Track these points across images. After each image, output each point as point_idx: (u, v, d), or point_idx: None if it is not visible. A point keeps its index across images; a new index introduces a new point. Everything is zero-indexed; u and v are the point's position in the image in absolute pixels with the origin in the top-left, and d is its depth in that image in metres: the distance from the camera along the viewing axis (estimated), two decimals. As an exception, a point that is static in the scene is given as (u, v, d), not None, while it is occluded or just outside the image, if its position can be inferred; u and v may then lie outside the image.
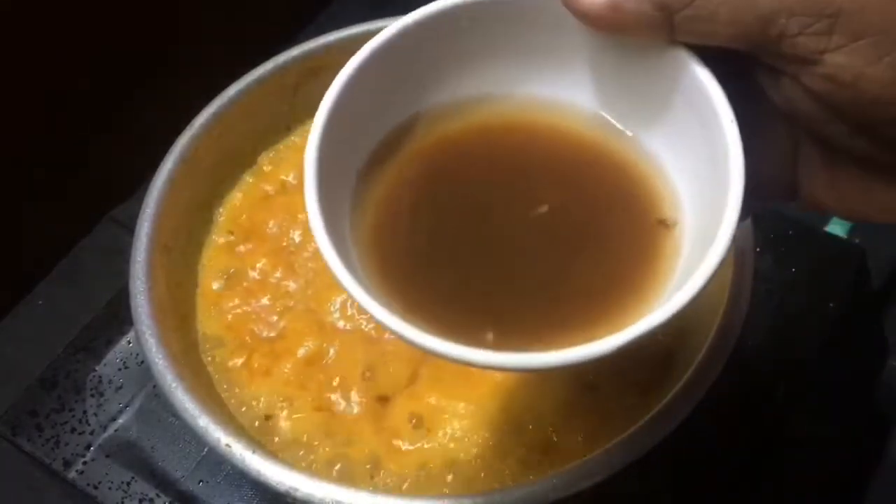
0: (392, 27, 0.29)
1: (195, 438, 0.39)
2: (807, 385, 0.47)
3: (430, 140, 0.31)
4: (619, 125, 0.30)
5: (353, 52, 0.29)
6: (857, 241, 0.53)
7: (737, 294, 0.38)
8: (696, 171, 0.28)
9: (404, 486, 0.39)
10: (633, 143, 0.30)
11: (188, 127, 0.45)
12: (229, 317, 0.44)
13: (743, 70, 0.26)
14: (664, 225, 0.29)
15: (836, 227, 0.55)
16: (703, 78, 0.27)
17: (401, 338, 0.25)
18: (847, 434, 0.52)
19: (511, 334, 0.27)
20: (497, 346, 0.26)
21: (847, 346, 0.52)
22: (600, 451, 0.35)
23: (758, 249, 0.39)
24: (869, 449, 0.56)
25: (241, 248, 0.46)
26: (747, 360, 0.40)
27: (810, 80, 0.24)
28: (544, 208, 0.29)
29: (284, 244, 0.45)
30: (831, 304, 0.49)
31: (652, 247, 0.28)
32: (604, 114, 0.31)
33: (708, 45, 0.26)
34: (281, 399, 0.41)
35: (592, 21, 0.26)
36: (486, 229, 0.30)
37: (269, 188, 0.48)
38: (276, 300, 0.44)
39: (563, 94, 0.31)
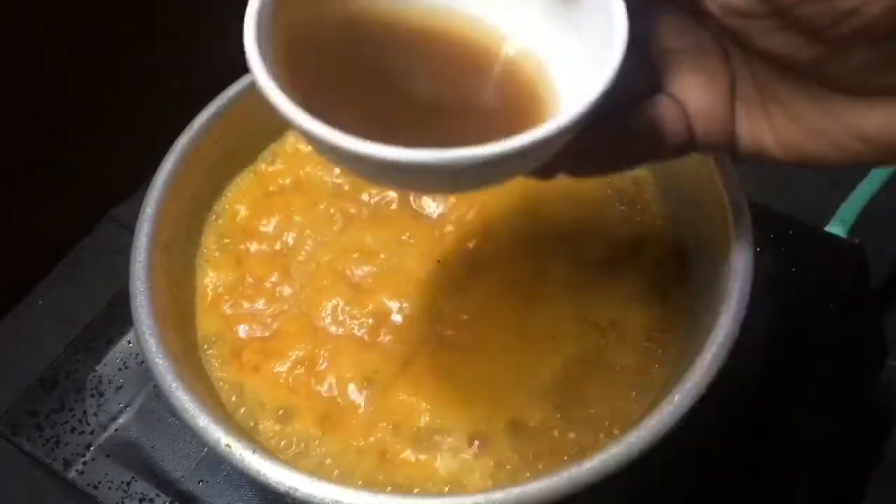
0: None
1: (195, 438, 0.39)
2: (807, 385, 0.47)
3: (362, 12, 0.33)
4: (520, 35, 0.33)
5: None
6: (857, 241, 0.53)
7: (737, 294, 0.38)
8: (581, 75, 0.30)
9: (402, 487, 0.39)
10: (526, 49, 0.33)
11: (188, 127, 0.45)
12: (227, 317, 0.44)
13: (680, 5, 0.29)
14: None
15: (836, 227, 0.55)
16: None
17: (307, 134, 0.27)
18: (847, 434, 0.52)
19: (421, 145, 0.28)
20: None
21: (847, 346, 0.52)
22: (599, 451, 0.35)
23: (758, 249, 0.39)
24: (869, 449, 0.56)
25: (240, 248, 0.46)
26: (747, 360, 0.40)
27: None
28: (443, 88, 0.32)
29: (280, 246, 0.46)
30: (831, 304, 0.49)
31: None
32: (512, 27, 0.33)
33: None
34: (273, 402, 0.41)
35: None
36: (393, 83, 0.32)
37: (268, 189, 0.48)
38: (271, 302, 0.44)
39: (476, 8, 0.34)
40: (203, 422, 0.37)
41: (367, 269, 0.44)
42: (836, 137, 0.28)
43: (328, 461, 0.39)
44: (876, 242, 0.54)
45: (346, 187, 0.47)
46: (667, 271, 0.43)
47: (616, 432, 0.39)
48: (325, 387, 0.41)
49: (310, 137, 0.28)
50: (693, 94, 0.30)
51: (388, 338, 0.42)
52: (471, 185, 0.33)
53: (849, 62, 0.26)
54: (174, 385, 0.38)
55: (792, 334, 0.48)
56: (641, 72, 0.30)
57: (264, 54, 0.29)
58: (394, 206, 0.46)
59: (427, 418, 0.40)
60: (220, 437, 0.36)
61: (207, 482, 0.45)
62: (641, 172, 0.46)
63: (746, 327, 0.37)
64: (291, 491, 0.35)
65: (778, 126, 0.29)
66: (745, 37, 0.28)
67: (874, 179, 0.57)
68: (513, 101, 0.32)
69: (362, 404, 0.41)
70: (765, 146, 0.30)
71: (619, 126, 0.30)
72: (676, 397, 0.35)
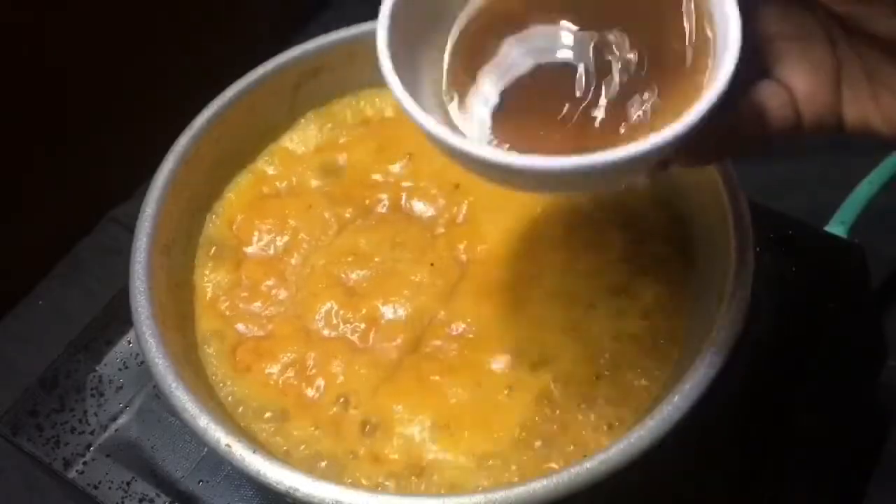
0: None
1: (195, 438, 0.39)
2: (807, 385, 0.47)
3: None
4: None
5: (352, 53, 0.30)
6: (857, 241, 0.53)
7: (737, 295, 0.38)
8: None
9: (401, 487, 0.39)
10: None
11: (188, 127, 0.45)
12: (225, 318, 0.44)
13: None
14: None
15: (836, 227, 0.55)
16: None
17: (467, 156, 0.28)
18: (846, 433, 0.52)
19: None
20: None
21: (847, 346, 0.52)
22: (599, 451, 0.35)
23: (758, 249, 0.39)
24: (868, 448, 0.56)
25: (237, 251, 0.46)
26: (747, 360, 0.40)
27: None
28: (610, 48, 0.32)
29: (275, 249, 0.45)
30: (831, 304, 0.49)
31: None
32: None
33: None
34: (265, 403, 0.41)
35: None
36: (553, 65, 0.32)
37: (268, 189, 0.48)
38: (267, 305, 0.44)
39: None
40: (203, 422, 0.37)
41: (361, 273, 0.44)
42: None
43: (322, 463, 0.39)
44: (876, 242, 0.54)
45: (339, 190, 0.47)
46: (666, 273, 0.43)
47: (615, 434, 0.39)
48: (315, 389, 0.41)
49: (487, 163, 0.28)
50: (800, 79, 0.31)
51: (381, 343, 0.42)
52: (603, 185, 0.37)
53: None
54: (174, 385, 0.38)
55: (792, 334, 0.48)
56: (748, 58, 0.30)
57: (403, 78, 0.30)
58: (385, 210, 0.46)
59: (420, 421, 0.40)
60: (220, 437, 0.36)
61: (207, 482, 0.45)
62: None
63: (746, 328, 0.37)
64: (291, 491, 0.35)
65: (884, 105, 0.30)
66: (857, 22, 0.29)
67: (874, 179, 0.57)
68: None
69: (355, 408, 0.41)
70: (871, 124, 0.31)
71: (728, 113, 0.31)
72: (676, 398, 0.35)
